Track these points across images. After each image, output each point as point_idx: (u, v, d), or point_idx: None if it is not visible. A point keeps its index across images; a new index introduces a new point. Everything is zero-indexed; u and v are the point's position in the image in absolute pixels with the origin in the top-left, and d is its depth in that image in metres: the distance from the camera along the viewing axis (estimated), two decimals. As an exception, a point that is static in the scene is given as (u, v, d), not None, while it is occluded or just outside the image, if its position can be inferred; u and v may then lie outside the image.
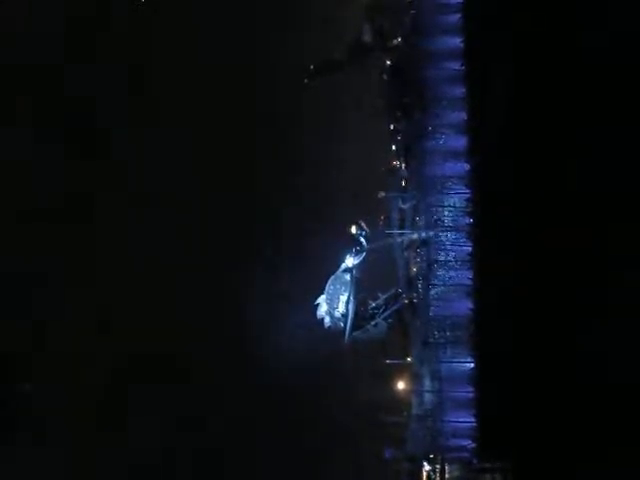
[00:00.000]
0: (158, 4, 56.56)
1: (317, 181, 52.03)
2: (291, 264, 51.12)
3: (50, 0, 55.94)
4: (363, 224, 47.56)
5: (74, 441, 53.34)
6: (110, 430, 53.55)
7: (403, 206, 47.55)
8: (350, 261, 47.70)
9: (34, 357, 54.46)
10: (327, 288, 47.60)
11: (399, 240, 47.45)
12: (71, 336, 54.46)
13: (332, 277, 47.59)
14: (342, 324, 47.24)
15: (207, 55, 55.40)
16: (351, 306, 47.05)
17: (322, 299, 47.68)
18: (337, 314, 47.21)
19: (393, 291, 47.71)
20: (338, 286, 47.26)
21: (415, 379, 46.40)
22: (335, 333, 47.36)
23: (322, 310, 47.59)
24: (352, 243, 47.68)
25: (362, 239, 47.42)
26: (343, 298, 47.12)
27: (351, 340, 47.29)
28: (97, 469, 53.19)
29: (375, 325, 47.53)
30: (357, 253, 47.59)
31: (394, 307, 47.45)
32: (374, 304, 48.01)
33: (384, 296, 47.91)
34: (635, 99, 45.08)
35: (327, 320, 47.56)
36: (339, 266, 47.63)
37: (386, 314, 47.46)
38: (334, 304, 47.15)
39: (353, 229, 47.59)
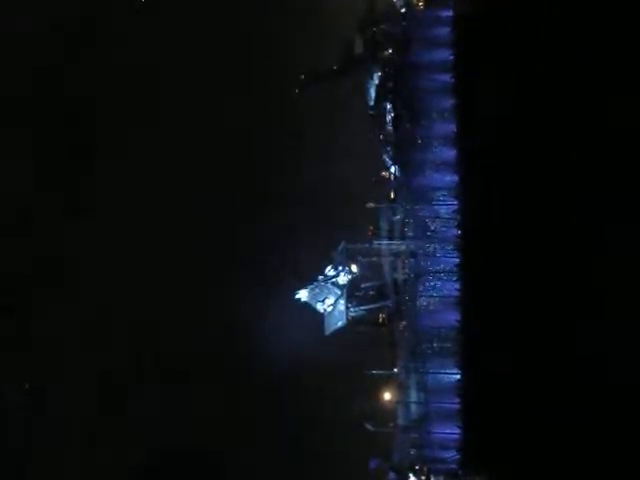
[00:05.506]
0: (158, 4, 57.04)
1: (307, 190, 52.45)
2: (288, 272, 51.52)
3: (51, 0, 56.46)
4: (361, 258, 48.04)
5: (73, 440, 53.75)
6: (109, 429, 53.97)
7: (392, 217, 47.63)
8: (343, 279, 48.16)
9: (34, 357, 54.93)
10: (312, 287, 48.26)
11: (387, 251, 47.54)
12: (70, 336, 54.96)
13: (320, 282, 48.00)
14: (322, 312, 48.06)
15: (206, 55, 55.87)
16: (342, 309, 47.53)
17: (303, 292, 48.39)
18: (319, 306, 48.03)
19: (377, 283, 47.92)
20: (325, 291, 47.79)
21: (401, 390, 46.43)
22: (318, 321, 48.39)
23: (301, 295, 48.37)
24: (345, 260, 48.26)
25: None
26: (329, 301, 47.92)
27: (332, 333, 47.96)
28: (96, 469, 53.52)
29: (355, 312, 47.97)
30: (350, 273, 48.21)
31: (378, 304, 47.64)
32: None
33: (366, 284, 48.24)
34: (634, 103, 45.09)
35: (304, 299, 48.40)
36: (325, 273, 48.01)
37: (369, 307, 47.73)
38: (318, 298, 47.92)
39: (354, 268, 48.17)
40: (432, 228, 46.52)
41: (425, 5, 47.84)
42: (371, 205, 47.78)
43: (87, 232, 56.10)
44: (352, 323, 47.95)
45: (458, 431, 44.84)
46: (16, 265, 55.57)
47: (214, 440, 52.70)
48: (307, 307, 48.19)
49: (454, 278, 45.89)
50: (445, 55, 47.07)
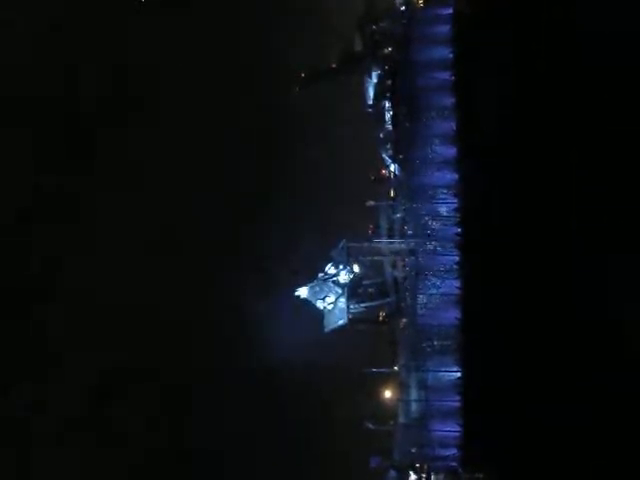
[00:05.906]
0: (158, 4, 57.19)
1: (307, 190, 52.56)
2: (288, 271, 51.61)
3: (51, 1, 56.58)
4: (361, 257, 48.05)
5: (73, 440, 53.77)
6: (108, 429, 53.97)
7: (392, 215, 47.58)
8: (344, 277, 48.17)
9: (34, 356, 54.99)
10: (313, 285, 48.19)
11: (387, 249, 47.50)
12: (70, 336, 55.03)
13: (320, 279, 47.96)
14: (321, 308, 48.07)
15: (206, 55, 56.01)
16: (343, 307, 47.54)
17: (303, 289, 48.34)
18: (319, 303, 47.95)
19: (378, 281, 47.91)
20: (326, 289, 47.76)
21: (402, 388, 46.33)
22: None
23: (301, 292, 48.35)
24: (346, 259, 48.25)
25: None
26: (329, 299, 47.84)
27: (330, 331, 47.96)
28: (96, 469, 53.55)
29: (355, 310, 47.98)
30: (351, 272, 48.22)
31: (379, 302, 47.63)
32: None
33: (366, 282, 48.19)
34: (634, 102, 45.04)
35: (303, 296, 48.37)
36: (325, 271, 47.99)
37: (370, 305, 47.70)
38: (319, 296, 47.93)
39: (355, 267, 48.12)
40: (432, 226, 46.35)
41: (425, 3, 47.82)
42: (371, 203, 47.71)
43: (86, 232, 56.19)
44: (352, 321, 47.84)
45: (458, 429, 44.62)
46: (16, 265, 55.63)
47: (214, 440, 52.70)
48: (307, 304, 48.14)
49: (454, 276, 45.71)
50: (445, 53, 46.98)
